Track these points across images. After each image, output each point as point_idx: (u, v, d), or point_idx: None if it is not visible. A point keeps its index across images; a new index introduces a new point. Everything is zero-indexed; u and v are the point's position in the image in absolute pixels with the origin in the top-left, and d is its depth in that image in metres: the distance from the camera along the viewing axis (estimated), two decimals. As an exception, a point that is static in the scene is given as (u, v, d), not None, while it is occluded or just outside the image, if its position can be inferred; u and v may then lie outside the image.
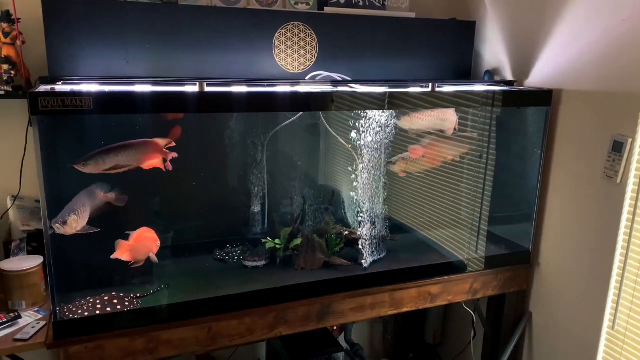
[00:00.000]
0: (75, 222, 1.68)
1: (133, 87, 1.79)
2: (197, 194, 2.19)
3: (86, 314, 1.71)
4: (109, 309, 1.74)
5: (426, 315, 3.03)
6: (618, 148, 1.93)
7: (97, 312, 1.72)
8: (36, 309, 1.82)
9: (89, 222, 1.76)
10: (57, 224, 1.63)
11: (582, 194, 2.11)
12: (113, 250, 1.79)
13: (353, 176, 2.19)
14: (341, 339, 2.78)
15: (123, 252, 1.81)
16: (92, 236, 1.74)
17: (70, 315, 1.70)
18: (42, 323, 1.73)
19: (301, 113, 2.16)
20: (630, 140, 1.89)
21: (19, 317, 1.76)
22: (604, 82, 2.00)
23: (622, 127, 1.92)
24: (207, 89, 1.70)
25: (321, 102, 1.92)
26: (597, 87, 2.03)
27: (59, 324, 1.64)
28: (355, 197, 2.22)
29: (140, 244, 1.85)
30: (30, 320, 1.75)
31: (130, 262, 1.82)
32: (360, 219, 2.21)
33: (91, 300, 1.77)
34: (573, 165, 2.16)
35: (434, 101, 2.04)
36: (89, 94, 1.52)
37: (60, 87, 1.67)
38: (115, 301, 1.77)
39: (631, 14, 1.86)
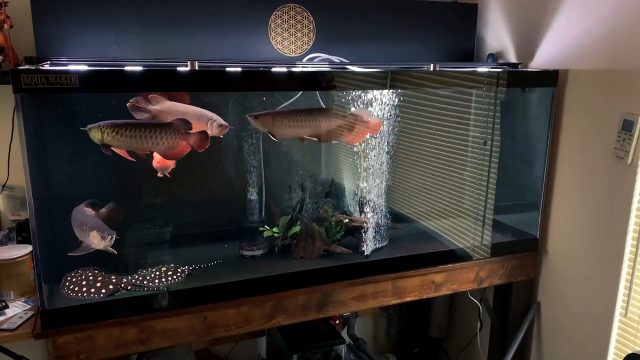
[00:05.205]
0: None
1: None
2: (191, 182, 2.12)
3: (76, 292, 1.66)
4: (95, 288, 1.69)
5: (431, 308, 2.96)
6: (628, 127, 1.86)
7: (85, 294, 1.67)
8: (25, 299, 1.76)
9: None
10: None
11: (591, 177, 2.04)
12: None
13: (355, 162, 2.13)
14: (344, 334, 2.70)
15: None
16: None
17: (66, 292, 1.65)
18: (30, 313, 1.67)
19: (300, 93, 2.08)
20: (640, 118, 1.82)
21: (6, 307, 1.70)
22: (611, 60, 1.93)
23: (632, 105, 1.85)
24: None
25: (322, 80, 1.86)
26: (604, 65, 1.96)
27: (47, 312, 1.58)
28: (357, 184, 2.15)
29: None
30: (18, 310, 1.69)
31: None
32: (360, 203, 2.14)
33: (81, 276, 1.72)
34: (581, 147, 2.08)
35: (438, 79, 1.97)
36: (75, 71, 1.45)
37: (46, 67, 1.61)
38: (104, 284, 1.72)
39: (640, -14, 1.79)
